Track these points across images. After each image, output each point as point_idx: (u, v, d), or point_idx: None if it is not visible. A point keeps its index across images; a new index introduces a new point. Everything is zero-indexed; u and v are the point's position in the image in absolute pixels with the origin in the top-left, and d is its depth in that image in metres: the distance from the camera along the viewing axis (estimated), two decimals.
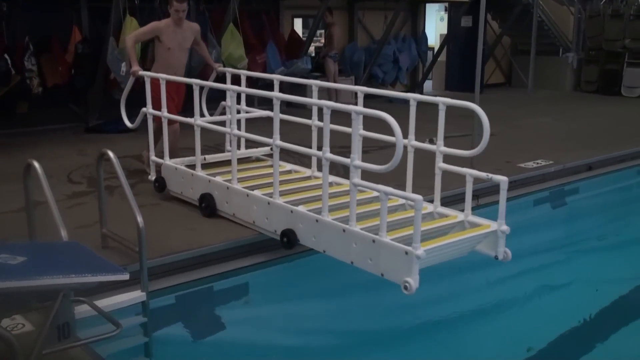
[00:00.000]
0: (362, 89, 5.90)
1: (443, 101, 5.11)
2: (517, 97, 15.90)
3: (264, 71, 11.71)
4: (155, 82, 6.63)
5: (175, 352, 4.66)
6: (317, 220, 4.89)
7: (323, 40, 14.60)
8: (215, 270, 5.37)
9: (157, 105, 6.65)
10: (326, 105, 4.78)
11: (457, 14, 15.67)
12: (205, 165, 6.42)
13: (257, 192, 5.57)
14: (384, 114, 4.32)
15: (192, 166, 6.39)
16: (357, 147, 4.54)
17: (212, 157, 6.68)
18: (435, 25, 20.12)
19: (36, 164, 4.52)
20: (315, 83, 6.47)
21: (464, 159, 7.97)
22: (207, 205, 6.07)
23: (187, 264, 5.27)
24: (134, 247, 4.82)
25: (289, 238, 5.11)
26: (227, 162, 6.45)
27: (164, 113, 6.51)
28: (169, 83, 6.58)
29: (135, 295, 4.64)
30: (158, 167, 6.82)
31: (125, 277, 3.12)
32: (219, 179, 6.02)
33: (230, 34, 11.05)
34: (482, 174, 4.89)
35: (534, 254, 6.43)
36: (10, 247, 3.25)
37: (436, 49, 16.71)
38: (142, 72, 6.83)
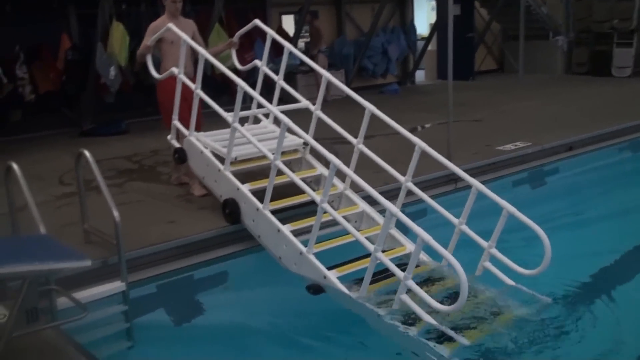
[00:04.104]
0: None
1: (509, 209, 5.08)
2: (508, 83, 16.05)
3: (252, 69, 11.93)
4: (166, 82, 6.61)
5: (157, 335, 4.90)
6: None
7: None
8: (194, 260, 5.65)
9: (169, 107, 6.55)
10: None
11: (444, 2, 15.79)
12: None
13: (289, 232, 5.30)
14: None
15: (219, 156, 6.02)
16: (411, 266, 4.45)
17: (244, 154, 6.12)
18: (427, 15, 20.28)
19: (15, 166, 4.76)
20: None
21: (441, 143, 8.23)
22: (231, 212, 5.79)
23: (166, 255, 5.53)
24: (113, 240, 5.07)
25: (315, 291, 4.99)
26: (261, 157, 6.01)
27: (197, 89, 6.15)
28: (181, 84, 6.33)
29: (115, 286, 4.91)
30: (181, 137, 6.54)
31: (87, 263, 3.36)
32: (248, 189, 5.72)
33: (216, 33, 11.28)
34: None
35: (513, 231, 6.44)
36: None
37: None
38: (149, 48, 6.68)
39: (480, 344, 4.35)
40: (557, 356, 4.39)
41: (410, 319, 4.50)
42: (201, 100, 6.36)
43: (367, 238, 5.11)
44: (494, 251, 5.17)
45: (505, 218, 5.10)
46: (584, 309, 5.10)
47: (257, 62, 7.12)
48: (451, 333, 4.35)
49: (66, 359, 3.48)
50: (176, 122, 6.58)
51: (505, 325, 4.57)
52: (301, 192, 5.67)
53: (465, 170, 7.70)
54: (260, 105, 6.38)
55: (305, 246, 5.15)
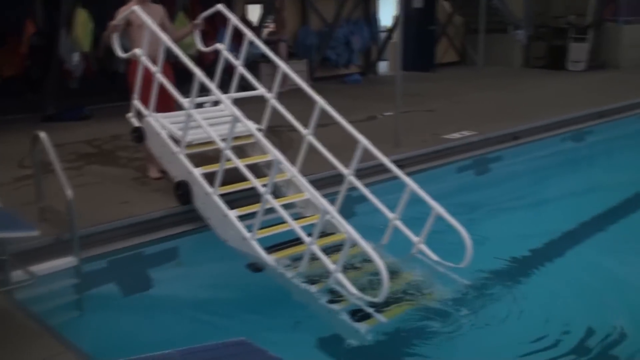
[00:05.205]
0: None
1: (437, 210, 5.45)
2: (467, 75, 16.53)
3: (216, 57, 12.20)
4: (136, 65, 6.74)
5: (106, 305, 5.17)
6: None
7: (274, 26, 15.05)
8: (145, 238, 5.95)
9: (143, 92, 6.62)
10: None
11: None
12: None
13: (235, 218, 5.64)
14: None
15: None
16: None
17: (198, 139, 6.34)
18: (394, 7, 20.59)
19: None
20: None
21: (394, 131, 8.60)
22: (183, 194, 6.13)
23: (119, 234, 5.84)
24: (67, 218, 5.38)
25: (255, 269, 5.37)
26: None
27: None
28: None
29: (68, 261, 5.23)
30: (141, 116, 6.73)
31: (35, 233, 3.68)
32: (200, 172, 6.02)
33: (180, 21, 11.51)
34: None
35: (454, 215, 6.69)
36: None
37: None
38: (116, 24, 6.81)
39: (397, 321, 4.71)
40: (475, 339, 4.65)
41: (336, 297, 4.91)
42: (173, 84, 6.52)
43: (311, 224, 5.50)
44: (423, 247, 5.60)
45: (433, 218, 5.52)
46: (510, 290, 5.41)
47: (218, 45, 7.39)
48: (370, 311, 4.73)
49: (15, 323, 3.79)
50: (136, 102, 6.78)
51: (424, 304, 4.92)
52: None
53: (412, 157, 8.26)
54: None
55: (250, 231, 5.52)
